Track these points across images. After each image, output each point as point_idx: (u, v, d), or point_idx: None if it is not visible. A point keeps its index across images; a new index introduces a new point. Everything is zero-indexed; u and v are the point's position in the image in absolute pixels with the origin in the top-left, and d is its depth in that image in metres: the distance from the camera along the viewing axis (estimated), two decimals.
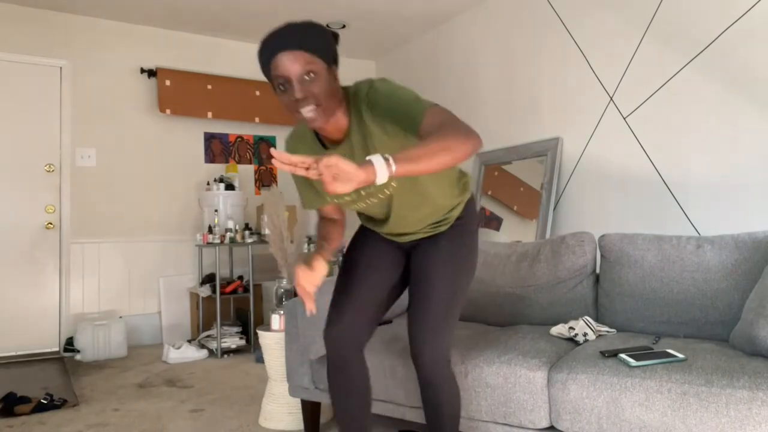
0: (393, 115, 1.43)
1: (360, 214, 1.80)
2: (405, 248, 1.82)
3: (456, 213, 1.75)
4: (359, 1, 4.19)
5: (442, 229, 1.74)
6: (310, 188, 1.69)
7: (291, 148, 1.64)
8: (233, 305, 4.67)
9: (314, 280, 1.54)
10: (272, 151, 1.18)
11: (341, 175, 1.16)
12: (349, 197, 1.59)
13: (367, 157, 1.22)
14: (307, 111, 1.38)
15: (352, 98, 1.50)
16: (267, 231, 3.89)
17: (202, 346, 4.13)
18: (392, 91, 1.44)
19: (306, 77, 1.36)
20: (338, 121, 1.49)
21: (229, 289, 4.23)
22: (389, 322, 2.48)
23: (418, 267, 1.72)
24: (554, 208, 3.62)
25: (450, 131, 1.31)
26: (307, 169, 1.19)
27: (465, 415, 1.96)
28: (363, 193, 1.57)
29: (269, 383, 2.65)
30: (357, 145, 1.51)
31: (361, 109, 1.48)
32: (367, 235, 1.84)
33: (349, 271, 1.78)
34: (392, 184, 1.55)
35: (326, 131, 1.51)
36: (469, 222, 1.77)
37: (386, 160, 1.21)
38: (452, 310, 1.67)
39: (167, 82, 4.58)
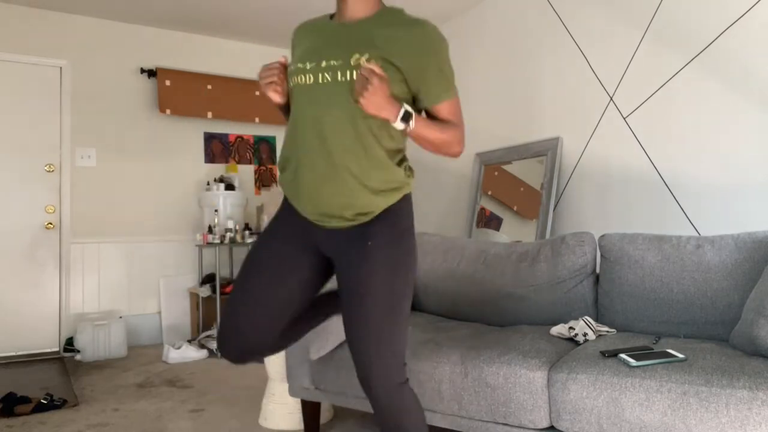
0: (428, 68, 1.46)
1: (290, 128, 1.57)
2: (324, 248, 1.57)
3: (387, 201, 1.50)
4: None
5: (366, 219, 1.49)
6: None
7: (298, 31, 1.66)
8: None
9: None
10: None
11: (376, 87, 1.33)
12: (311, 64, 1.49)
13: (403, 104, 1.40)
14: None
15: (394, 11, 1.53)
16: None
17: (202, 346, 4.13)
18: (446, 50, 1.50)
19: None
20: (357, 4, 1.51)
21: (229, 289, 4.22)
22: None
23: (347, 281, 1.49)
24: (554, 208, 3.62)
25: (460, 132, 1.51)
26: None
27: (465, 414, 1.96)
28: (324, 64, 1.47)
29: (269, 383, 2.65)
30: (360, 40, 1.47)
31: (390, 21, 1.49)
32: (278, 231, 1.61)
33: (248, 275, 1.59)
34: (346, 76, 1.44)
35: (344, 5, 1.53)
36: (405, 217, 1.54)
37: (410, 113, 1.41)
38: (396, 326, 1.48)
39: (167, 82, 4.58)
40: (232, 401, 2.99)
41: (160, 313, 4.56)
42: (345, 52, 1.46)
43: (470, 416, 1.94)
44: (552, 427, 1.82)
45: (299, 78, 1.51)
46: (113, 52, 4.49)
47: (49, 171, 4.25)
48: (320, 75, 1.47)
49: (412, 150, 1.61)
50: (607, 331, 2.18)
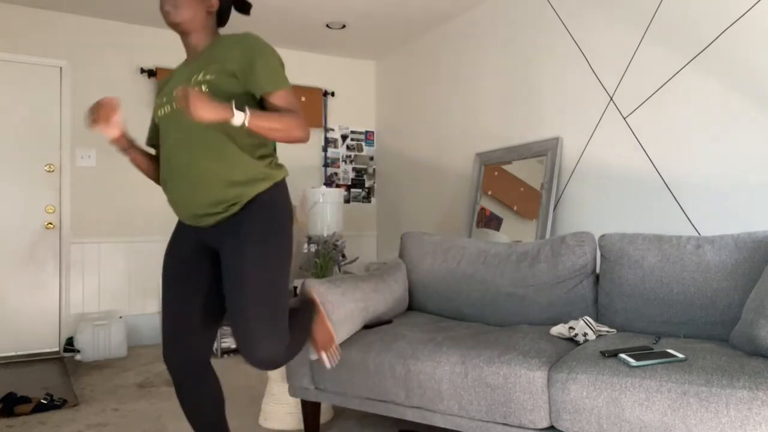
0: (251, 64, 1.67)
1: (161, 156, 1.83)
2: (211, 244, 1.78)
3: (254, 190, 1.71)
4: (359, 1, 4.19)
5: (235, 209, 1.70)
6: (153, 124, 1.96)
7: (160, 81, 1.92)
8: None
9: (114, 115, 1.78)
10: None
11: (194, 96, 1.47)
12: (167, 97, 1.76)
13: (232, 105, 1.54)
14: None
15: (226, 35, 1.79)
16: None
17: None
18: (267, 49, 1.71)
19: None
20: (198, 41, 1.79)
21: None
22: (389, 321, 2.48)
23: (227, 261, 1.69)
24: (554, 208, 3.62)
25: (299, 118, 1.66)
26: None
27: (465, 414, 1.96)
28: (175, 93, 1.64)
29: (269, 383, 2.65)
30: (201, 64, 1.71)
31: (223, 42, 1.75)
32: (175, 245, 1.84)
33: (164, 290, 1.82)
34: (202, 88, 1.67)
35: (188, 46, 1.81)
36: (275, 202, 1.74)
37: (242, 108, 1.56)
38: (274, 290, 1.67)
39: None
40: (232, 401, 2.99)
41: (160, 313, 4.56)
42: (189, 77, 1.73)
43: (470, 416, 1.94)
44: (552, 427, 1.82)
45: (160, 111, 1.79)
46: (113, 52, 4.49)
47: (49, 171, 4.25)
48: (174, 102, 1.72)
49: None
50: (607, 331, 2.18)
